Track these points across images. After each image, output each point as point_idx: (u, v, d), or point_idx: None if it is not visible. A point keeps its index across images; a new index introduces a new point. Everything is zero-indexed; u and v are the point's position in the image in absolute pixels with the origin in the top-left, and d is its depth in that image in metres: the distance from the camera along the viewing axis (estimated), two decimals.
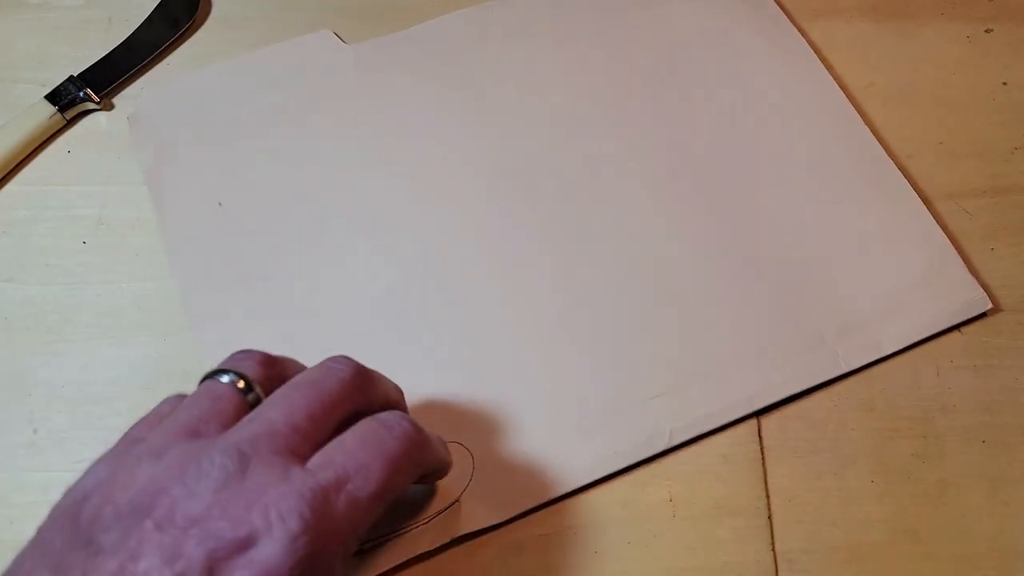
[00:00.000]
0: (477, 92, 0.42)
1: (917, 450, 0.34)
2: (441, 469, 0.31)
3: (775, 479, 0.34)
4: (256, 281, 0.37)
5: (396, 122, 0.41)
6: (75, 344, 0.37)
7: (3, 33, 0.45)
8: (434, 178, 0.40)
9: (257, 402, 0.27)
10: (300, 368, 0.30)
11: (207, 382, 0.28)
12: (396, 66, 0.43)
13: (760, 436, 0.34)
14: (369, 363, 0.29)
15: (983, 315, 0.37)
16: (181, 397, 0.28)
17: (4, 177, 0.41)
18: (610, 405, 0.34)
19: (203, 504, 0.23)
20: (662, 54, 0.43)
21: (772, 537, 0.33)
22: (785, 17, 0.45)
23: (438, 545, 0.32)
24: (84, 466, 0.26)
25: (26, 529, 0.24)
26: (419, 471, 0.29)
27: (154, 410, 0.28)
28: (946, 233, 0.38)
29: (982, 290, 0.37)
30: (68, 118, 0.42)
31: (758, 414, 0.35)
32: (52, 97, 0.42)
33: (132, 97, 0.43)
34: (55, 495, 0.25)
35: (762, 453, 0.34)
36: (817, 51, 0.44)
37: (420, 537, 0.32)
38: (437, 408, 0.34)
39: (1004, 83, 0.43)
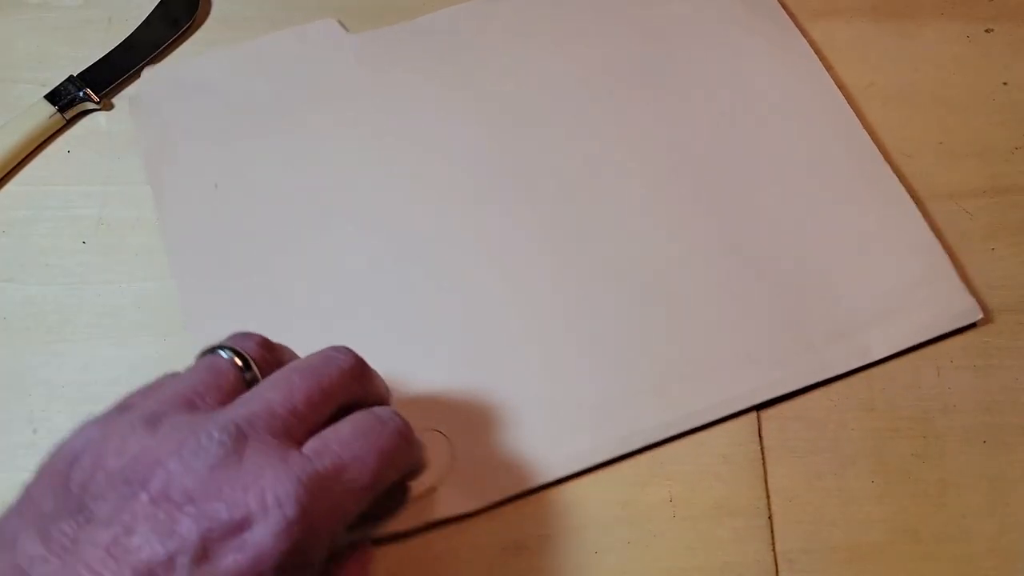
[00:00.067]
0: (477, 91, 0.42)
1: (917, 450, 0.34)
2: (417, 470, 0.31)
3: (775, 479, 0.34)
4: (255, 279, 0.37)
5: (397, 121, 0.41)
6: (75, 344, 0.37)
7: (3, 33, 0.45)
8: (434, 177, 0.40)
9: (254, 382, 0.27)
10: (296, 358, 0.29)
11: (206, 356, 0.27)
12: (397, 64, 0.43)
13: (760, 436, 0.34)
14: (367, 361, 0.29)
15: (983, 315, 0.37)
16: (177, 375, 0.28)
17: (4, 177, 0.41)
18: (602, 400, 0.34)
19: (199, 481, 0.23)
20: (662, 53, 0.43)
21: (772, 537, 0.33)
22: (785, 17, 0.45)
23: (410, 528, 0.31)
24: None
25: None
26: (406, 469, 0.29)
27: (149, 383, 0.27)
28: (946, 233, 0.38)
29: (973, 299, 0.36)
30: (68, 118, 0.42)
31: (757, 411, 0.35)
32: (52, 97, 0.42)
33: (132, 97, 0.43)
34: None
35: (762, 453, 0.34)
36: (817, 51, 0.43)
37: (394, 521, 0.31)
38: (424, 399, 0.34)
39: (1004, 83, 0.43)
